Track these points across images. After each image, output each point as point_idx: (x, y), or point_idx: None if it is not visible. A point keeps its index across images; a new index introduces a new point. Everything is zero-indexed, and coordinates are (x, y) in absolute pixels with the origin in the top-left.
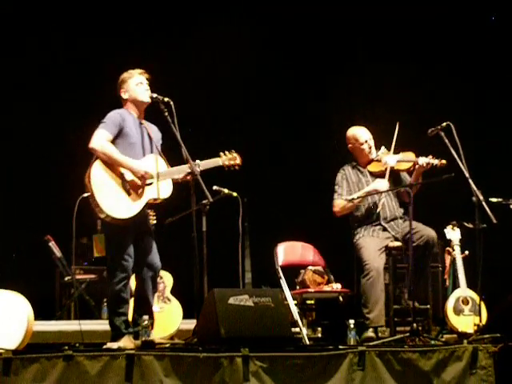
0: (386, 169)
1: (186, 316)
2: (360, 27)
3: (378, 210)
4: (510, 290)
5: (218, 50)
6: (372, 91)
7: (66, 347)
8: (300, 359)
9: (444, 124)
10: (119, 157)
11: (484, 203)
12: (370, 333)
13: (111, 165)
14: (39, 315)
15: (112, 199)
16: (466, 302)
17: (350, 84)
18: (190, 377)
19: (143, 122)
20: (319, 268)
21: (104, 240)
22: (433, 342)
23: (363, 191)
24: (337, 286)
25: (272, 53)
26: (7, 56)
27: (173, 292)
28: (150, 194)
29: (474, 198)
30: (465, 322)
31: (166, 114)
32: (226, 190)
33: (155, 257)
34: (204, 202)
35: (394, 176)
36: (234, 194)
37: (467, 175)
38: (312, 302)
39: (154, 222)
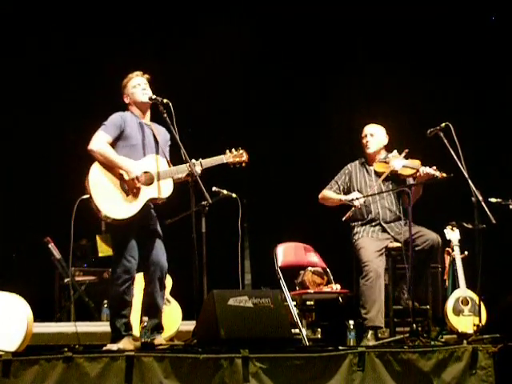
0: (387, 171)
1: (185, 317)
2: (360, 27)
3: (369, 210)
4: (509, 290)
5: (219, 50)
6: (372, 91)
7: (66, 349)
8: (300, 360)
9: (443, 124)
10: (116, 158)
11: (483, 203)
12: (370, 340)
13: (109, 166)
14: (39, 317)
15: (110, 200)
16: (465, 302)
17: (350, 84)
18: (189, 378)
19: (150, 123)
20: (319, 269)
21: (110, 240)
22: (432, 343)
23: (339, 197)
24: (336, 287)
25: (272, 53)
26: (7, 56)
27: (172, 293)
28: (150, 193)
29: (473, 199)
30: (464, 323)
31: (165, 115)
32: (225, 191)
33: (162, 257)
34: (203, 203)
35: (399, 180)
36: (234, 195)
37: (466, 175)
38: (312, 302)
39: None
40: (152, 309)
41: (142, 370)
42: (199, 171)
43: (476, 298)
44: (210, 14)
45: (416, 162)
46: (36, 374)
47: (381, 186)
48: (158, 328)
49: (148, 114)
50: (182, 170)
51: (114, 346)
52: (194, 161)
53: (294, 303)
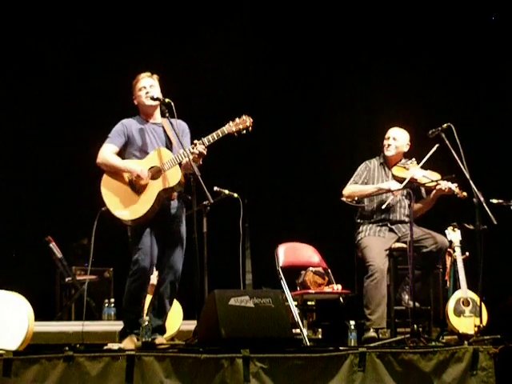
0: (407, 177)
1: (186, 317)
2: (363, 26)
3: (383, 207)
4: (510, 291)
5: (220, 50)
6: (374, 92)
7: (67, 348)
8: (300, 360)
9: (445, 125)
10: (119, 163)
11: (485, 204)
12: (372, 333)
13: (116, 174)
14: (40, 316)
15: (123, 204)
16: (466, 303)
17: (353, 83)
18: (190, 378)
19: (161, 120)
20: (320, 269)
21: None
22: (433, 344)
23: (377, 186)
24: (337, 287)
25: (275, 52)
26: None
27: None
28: (159, 185)
29: (474, 200)
30: (465, 324)
31: (167, 114)
32: (226, 191)
33: (177, 262)
34: (205, 202)
35: (414, 188)
36: (235, 194)
37: (468, 176)
38: (312, 303)
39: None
40: (158, 310)
41: (143, 369)
42: (203, 151)
43: (477, 298)
44: (212, 15)
45: (436, 175)
46: (37, 373)
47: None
48: (160, 330)
49: (157, 113)
50: (185, 154)
51: (114, 345)
52: (195, 141)
53: (295, 303)
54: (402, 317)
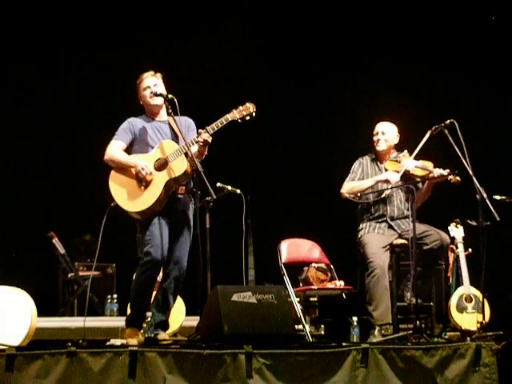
0: (401, 170)
1: (189, 313)
2: (363, 27)
3: (382, 195)
4: None
5: (220, 50)
6: (375, 90)
7: (70, 344)
8: (303, 356)
9: (448, 122)
10: (124, 159)
11: (487, 201)
12: (377, 336)
13: (123, 169)
14: (42, 312)
15: (131, 198)
16: (469, 299)
17: (354, 82)
18: (193, 373)
19: (167, 118)
20: (322, 265)
21: None
22: (436, 340)
23: (374, 178)
24: (340, 284)
25: (277, 52)
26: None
27: None
28: (166, 176)
29: (477, 196)
30: (468, 320)
31: (170, 110)
32: (229, 187)
33: (183, 258)
34: (208, 198)
35: (409, 179)
36: (238, 190)
37: (471, 173)
38: (315, 299)
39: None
40: (162, 305)
41: (146, 365)
42: (208, 138)
43: (480, 295)
44: (214, 15)
45: (428, 164)
46: (40, 369)
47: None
48: (163, 326)
49: (162, 111)
50: (189, 144)
51: (117, 341)
52: (200, 130)
53: (298, 299)
54: (404, 313)
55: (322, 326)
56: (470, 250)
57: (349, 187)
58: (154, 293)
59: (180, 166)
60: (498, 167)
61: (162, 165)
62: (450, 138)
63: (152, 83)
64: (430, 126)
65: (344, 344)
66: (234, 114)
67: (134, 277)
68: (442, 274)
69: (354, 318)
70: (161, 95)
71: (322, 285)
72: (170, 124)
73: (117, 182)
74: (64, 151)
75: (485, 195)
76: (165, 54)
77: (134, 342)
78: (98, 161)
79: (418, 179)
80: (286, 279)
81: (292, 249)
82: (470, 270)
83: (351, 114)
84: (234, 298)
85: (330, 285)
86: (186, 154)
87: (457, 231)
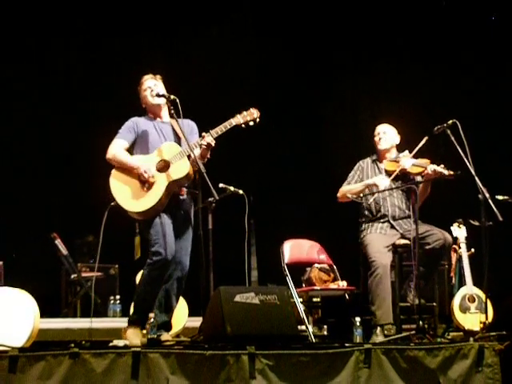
0: (397, 169)
1: (192, 314)
2: (365, 26)
3: (379, 207)
4: None
5: (222, 49)
6: (377, 90)
7: (72, 345)
8: (306, 357)
9: (450, 122)
10: (127, 159)
11: (490, 201)
12: (380, 337)
13: (125, 169)
14: (45, 313)
15: (132, 198)
16: (472, 299)
17: (356, 82)
18: (196, 374)
19: (169, 120)
20: (325, 266)
21: (139, 241)
22: (439, 340)
23: (364, 182)
24: (343, 284)
25: (279, 52)
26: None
27: None
28: (167, 178)
29: (480, 196)
30: (471, 320)
31: (172, 111)
32: (232, 188)
33: (185, 258)
34: (210, 199)
35: (408, 179)
36: (240, 191)
37: (473, 173)
38: (318, 299)
39: None
40: (164, 306)
41: (149, 365)
42: (212, 142)
43: (482, 295)
44: (216, 16)
45: (425, 161)
46: (42, 370)
47: (391, 185)
48: (166, 326)
49: (164, 112)
50: (192, 147)
51: (120, 342)
52: (203, 133)
53: (301, 300)
54: (407, 313)
55: (325, 326)
56: (472, 250)
57: (342, 191)
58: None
59: (182, 168)
60: (501, 167)
61: (164, 166)
62: (453, 138)
63: (152, 84)
64: (431, 125)
65: (347, 344)
66: (238, 119)
67: (138, 277)
68: (445, 274)
69: (357, 319)
70: (163, 96)
71: (324, 285)
72: (172, 126)
73: (118, 181)
74: (67, 152)
75: (487, 195)
76: (165, 53)
77: (136, 342)
78: (101, 162)
79: (414, 176)
80: (289, 280)
81: (295, 249)
82: (472, 270)
83: (353, 114)
84: (237, 298)
85: (332, 285)
86: (188, 157)
87: (459, 231)
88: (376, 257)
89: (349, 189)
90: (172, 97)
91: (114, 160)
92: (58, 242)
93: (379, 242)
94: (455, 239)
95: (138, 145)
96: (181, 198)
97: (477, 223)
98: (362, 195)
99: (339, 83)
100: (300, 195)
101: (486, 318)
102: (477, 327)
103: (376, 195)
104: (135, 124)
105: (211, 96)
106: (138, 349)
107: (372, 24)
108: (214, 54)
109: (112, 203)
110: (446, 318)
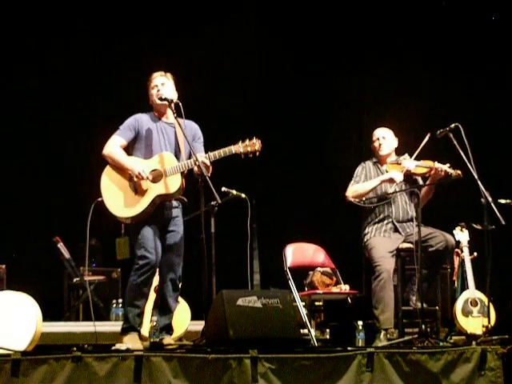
0: (403, 171)
1: (194, 317)
2: (369, 26)
3: (386, 201)
4: None
5: (226, 50)
6: (381, 92)
7: (75, 348)
8: (308, 361)
9: (453, 125)
10: (123, 160)
11: (493, 205)
12: (383, 341)
13: (119, 169)
14: (48, 316)
15: (119, 201)
16: (474, 303)
17: (360, 84)
18: (198, 378)
19: (174, 121)
20: (328, 269)
21: (128, 242)
22: (441, 344)
23: (379, 178)
24: (345, 288)
25: (283, 53)
26: (21, 59)
27: (181, 293)
28: (157, 190)
29: (482, 200)
30: (473, 324)
31: (175, 114)
32: (234, 192)
33: (176, 259)
34: (213, 203)
35: (411, 181)
36: (243, 195)
37: (476, 177)
38: (320, 303)
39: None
40: (163, 309)
41: (151, 369)
42: (207, 163)
43: (485, 299)
44: (219, 16)
45: (429, 162)
46: (45, 374)
47: (395, 188)
48: (168, 329)
49: (169, 112)
50: (190, 164)
51: (122, 346)
52: (202, 154)
53: (303, 304)
54: (409, 317)
55: (328, 330)
56: (475, 253)
57: (353, 190)
58: (155, 298)
59: (175, 183)
60: (504, 171)
61: (157, 176)
62: (455, 142)
63: (160, 82)
64: (435, 126)
65: (349, 348)
66: (239, 148)
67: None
68: (448, 277)
69: (360, 323)
70: (165, 99)
71: (327, 289)
72: (175, 128)
73: (109, 180)
74: (69, 155)
75: (490, 199)
76: (165, 53)
77: (137, 344)
78: (104, 163)
79: (420, 176)
80: (292, 283)
81: (297, 253)
82: (475, 273)
83: (357, 117)
84: (239, 302)
85: (335, 289)
86: (182, 173)
87: (462, 235)
88: (381, 261)
89: (361, 186)
90: (175, 101)
91: (110, 158)
92: (61, 245)
93: (384, 246)
94: (458, 243)
95: (137, 143)
96: (167, 203)
97: (479, 227)
98: (363, 199)
99: (344, 86)
100: (302, 199)
101: (489, 322)
102: (479, 331)
103: (393, 195)
104: (137, 122)
105: (212, 96)
106: (141, 352)
107: (376, 24)
108: (214, 54)
109: (99, 199)
110: (448, 322)
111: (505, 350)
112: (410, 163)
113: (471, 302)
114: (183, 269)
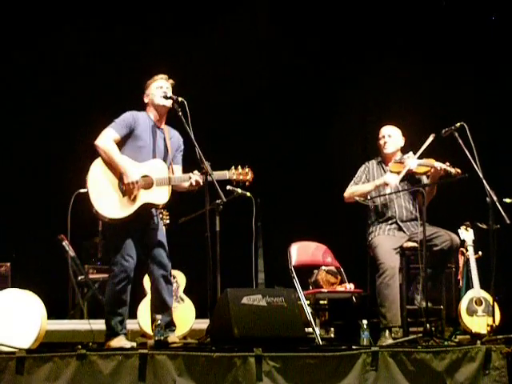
0: (401, 171)
1: (199, 316)
2: (373, 27)
3: (386, 208)
4: None
5: (229, 50)
6: (385, 91)
7: (80, 346)
8: (313, 359)
9: (458, 124)
10: (118, 158)
11: (498, 204)
12: (388, 339)
13: (111, 164)
14: (52, 314)
15: (104, 198)
16: (479, 302)
17: (363, 84)
18: (203, 376)
19: (164, 127)
20: (332, 268)
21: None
22: (446, 343)
23: (373, 183)
24: (350, 286)
25: (285, 53)
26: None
27: (186, 292)
28: (145, 198)
29: (487, 199)
30: (478, 323)
31: (180, 113)
32: (239, 190)
33: (163, 255)
34: (217, 201)
35: (414, 179)
36: (248, 193)
37: (481, 176)
38: (325, 302)
39: (167, 221)
40: (161, 306)
41: (156, 367)
42: (201, 181)
43: (490, 298)
44: (222, 17)
45: (430, 160)
46: (50, 371)
47: (397, 186)
48: (170, 325)
49: (164, 117)
50: (182, 179)
51: (127, 344)
52: (196, 172)
53: (308, 302)
54: (414, 316)
55: (332, 329)
56: (480, 252)
57: (350, 191)
58: (150, 298)
59: (162, 195)
60: (509, 170)
61: (147, 184)
62: (460, 141)
63: (165, 85)
64: (440, 126)
65: (354, 347)
66: (232, 175)
67: (145, 279)
68: (452, 277)
69: (364, 321)
70: (171, 98)
71: (331, 288)
72: (164, 134)
73: (99, 173)
74: (71, 154)
75: (495, 198)
76: (166, 53)
77: (126, 345)
78: (93, 156)
79: (424, 175)
80: (296, 282)
81: (302, 252)
82: (480, 273)
83: (360, 116)
84: (244, 300)
85: (339, 288)
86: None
87: (467, 234)
88: (385, 259)
89: (357, 189)
90: (180, 99)
91: (104, 151)
92: (66, 243)
93: (388, 244)
94: (462, 242)
95: (129, 141)
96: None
97: (484, 226)
98: (368, 197)
99: (347, 85)
100: (307, 197)
101: (494, 321)
102: (484, 330)
103: (384, 198)
104: (134, 120)
105: (213, 96)
106: (145, 351)
107: (379, 24)
108: (216, 54)
109: (81, 190)
110: (453, 321)
111: (509, 349)
112: (411, 162)
113: (476, 302)
114: (188, 268)
